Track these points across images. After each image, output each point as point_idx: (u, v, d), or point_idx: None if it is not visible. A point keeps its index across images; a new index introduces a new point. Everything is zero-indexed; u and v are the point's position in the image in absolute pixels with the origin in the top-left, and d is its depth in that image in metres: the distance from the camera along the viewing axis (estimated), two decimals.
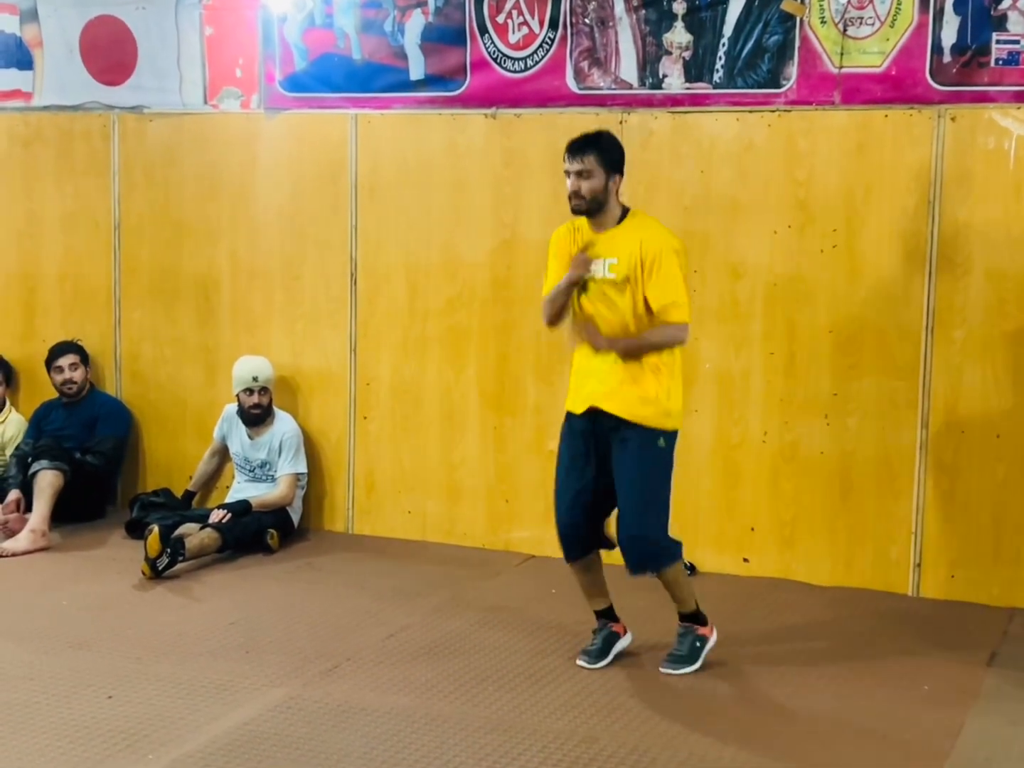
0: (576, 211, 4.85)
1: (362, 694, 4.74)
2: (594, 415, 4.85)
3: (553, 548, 6.42)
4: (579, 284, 4.81)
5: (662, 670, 4.95)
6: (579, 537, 4.99)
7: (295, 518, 6.83)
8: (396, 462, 6.85)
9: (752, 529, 6.20)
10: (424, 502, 6.81)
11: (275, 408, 6.88)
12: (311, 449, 6.96)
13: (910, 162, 5.81)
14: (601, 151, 4.79)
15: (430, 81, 6.59)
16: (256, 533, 6.54)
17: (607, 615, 5.12)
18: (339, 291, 6.87)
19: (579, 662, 4.99)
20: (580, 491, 4.94)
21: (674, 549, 4.95)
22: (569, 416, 4.99)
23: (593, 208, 4.80)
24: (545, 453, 6.50)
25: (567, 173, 4.82)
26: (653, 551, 4.87)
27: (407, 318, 6.75)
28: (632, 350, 4.77)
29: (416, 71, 6.61)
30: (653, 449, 4.81)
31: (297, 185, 6.92)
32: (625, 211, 4.89)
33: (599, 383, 4.83)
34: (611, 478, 4.87)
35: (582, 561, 5.04)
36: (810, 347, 6.03)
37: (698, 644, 4.99)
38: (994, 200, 5.70)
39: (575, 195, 4.80)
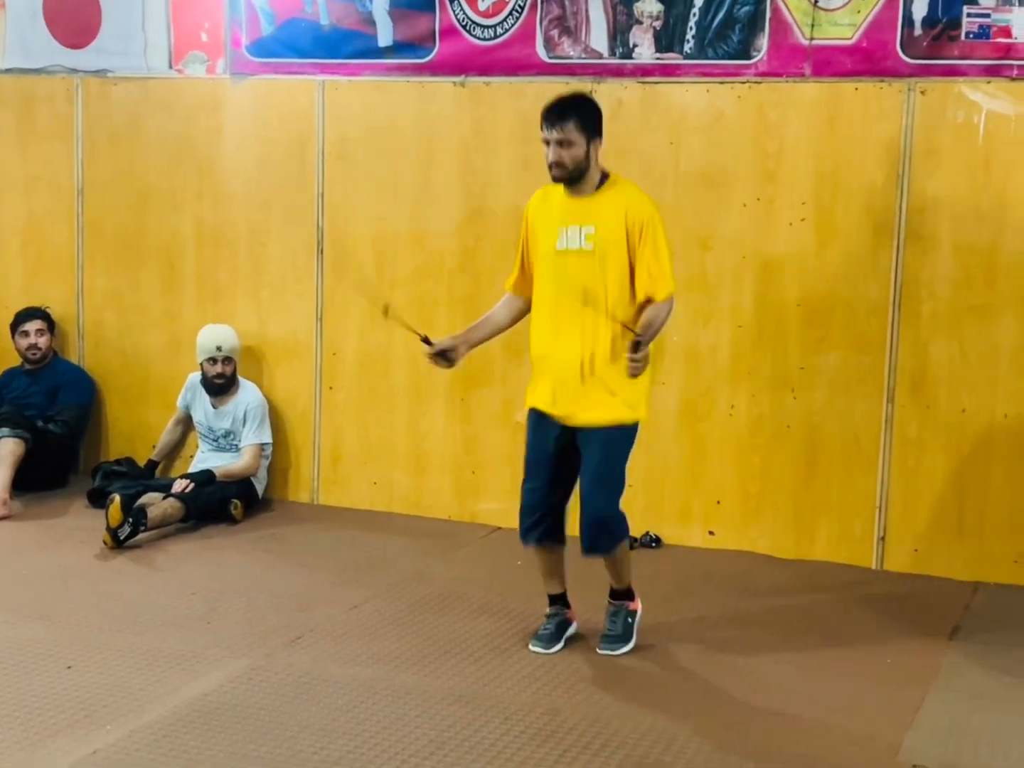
0: (557, 179, 4.67)
1: (324, 665, 4.71)
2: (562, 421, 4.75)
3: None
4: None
5: (600, 651, 4.87)
6: (539, 521, 4.90)
7: (259, 488, 6.79)
8: (362, 433, 6.81)
9: (718, 502, 6.20)
10: (390, 473, 6.78)
11: (240, 377, 6.83)
12: (276, 419, 6.91)
13: (879, 135, 5.79)
14: (580, 116, 4.61)
15: (399, 48, 6.52)
16: (220, 503, 6.50)
17: (561, 601, 5.05)
18: (305, 260, 6.81)
19: (532, 647, 4.90)
20: (546, 486, 4.86)
21: (625, 527, 4.87)
22: (535, 411, 4.83)
23: (575, 176, 4.64)
24: (512, 425, 6.48)
25: (545, 142, 4.64)
26: (610, 533, 4.80)
27: (374, 287, 6.69)
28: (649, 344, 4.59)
29: (384, 37, 6.54)
30: (618, 438, 4.72)
31: (263, 152, 6.85)
32: (604, 176, 4.71)
33: (564, 387, 4.68)
34: (576, 469, 4.80)
35: (541, 545, 4.96)
36: (778, 321, 6.02)
37: (630, 620, 4.94)
38: (963, 175, 5.69)
39: (557, 165, 4.62)
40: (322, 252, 6.77)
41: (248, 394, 6.78)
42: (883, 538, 5.94)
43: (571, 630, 5.03)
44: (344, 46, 6.62)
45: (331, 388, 6.84)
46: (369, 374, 6.76)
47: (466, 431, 6.61)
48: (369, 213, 6.67)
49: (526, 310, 4.94)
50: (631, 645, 4.90)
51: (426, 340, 4.86)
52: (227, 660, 4.74)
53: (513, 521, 6.45)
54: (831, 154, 5.86)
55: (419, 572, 5.84)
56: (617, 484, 4.78)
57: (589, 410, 4.68)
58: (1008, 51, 5.57)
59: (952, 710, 4.42)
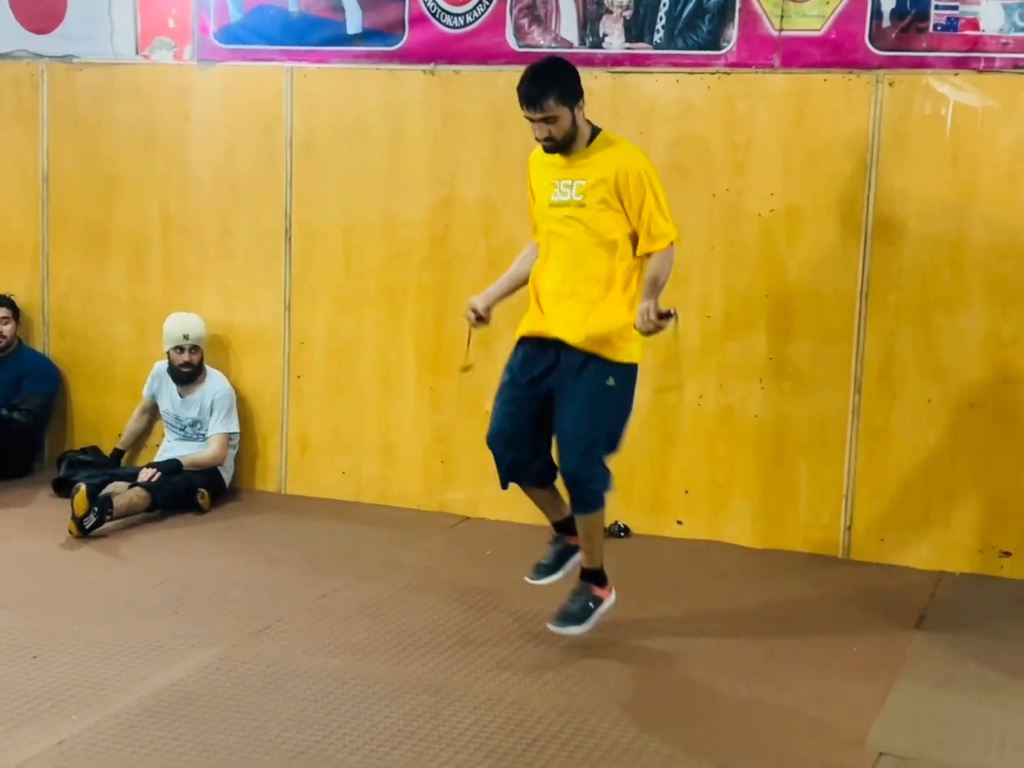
0: (551, 151, 4.64)
1: (293, 655, 4.69)
2: (554, 349, 4.65)
3: (488, 510, 6.51)
4: None
5: (549, 627, 4.75)
6: (512, 462, 4.79)
7: (226, 478, 6.75)
8: (330, 422, 6.79)
9: (686, 492, 6.21)
10: (359, 463, 6.76)
11: (207, 366, 6.79)
12: (243, 408, 6.87)
13: (848, 127, 5.80)
14: (558, 89, 4.53)
15: (367, 35, 6.49)
16: (186, 492, 6.46)
17: (562, 527, 4.91)
18: (273, 248, 6.78)
19: (527, 579, 4.84)
20: (517, 410, 4.75)
21: (602, 498, 4.70)
22: (520, 343, 4.76)
23: (566, 143, 4.60)
24: (481, 414, 6.42)
25: (530, 120, 4.58)
26: (586, 492, 4.65)
27: (343, 276, 6.67)
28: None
29: (353, 25, 6.51)
30: (603, 383, 4.59)
31: (231, 139, 6.81)
32: (595, 131, 4.66)
33: (564, 316, 4.61)
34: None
35: (521, 484, 4.88)
36: (746, 311, 6.03)
37: (591, 605, 4.74)
38: (930, 167, 5.71)
39: (547, 140, 4.58)
40: (290, 240, 6.74)
41: (215, 383, 6.74)
42: (850, 527, 5.97)
43: (577, 556, 4.87)
44: (313, 33, 6.59)
45: (299, 377, 6.82)
46: (337, 363, 6.74)
47: (435, 420, 6.60)
48: (338, 201, 6.64)
49: None
50: (582, 629, 4.72)
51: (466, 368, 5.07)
52: (195, 650, 4.71)
53: (482, 511, 6.54)
54: (800, 145, 5.88)
55: (388, 562, 5.83)
56: (595, 439, 4.60)
57: (582, 327, 4.57)
58: (975, 43, 5.60)
59: (918, 699, 4.44)
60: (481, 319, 4.92)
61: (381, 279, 6.61)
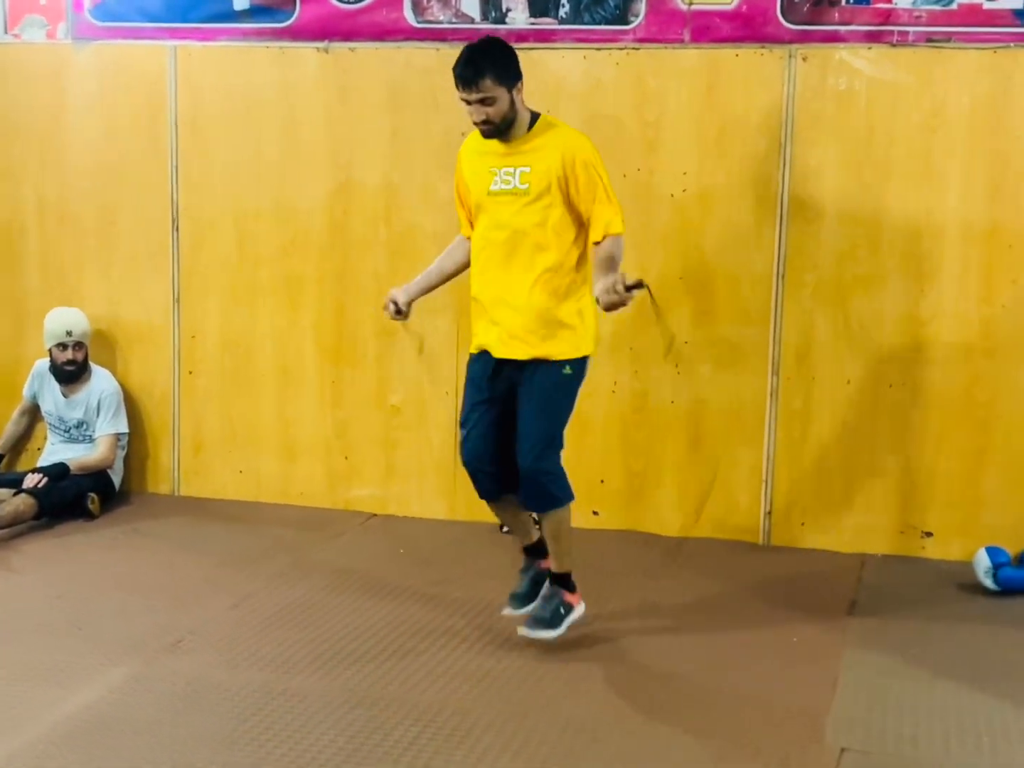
0: (488, 136, 4.44)
1: (211, 670, 4.40)
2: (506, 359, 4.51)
3: (396, 506, 6.28)
4: None
5: (520, 632, 4.61)
6: (488, 476, 4.61)
7: (116, 481, 6.39)
8: (226, 419, 6.47)
9: (602, 481, 6.05)
10: (257, 461, 6.45)
11: (91, 364, 6.41)
12: (132, 407, 6.51)
13: (761, 103, 5.68)
14: (495, 69, 4.33)
15: (256, 11, 6.18)
16: (75, 498, 6.09)
17: (533, 552, 4.77)
18: (160, 237, 6.42)
19: (504, 612, 4.67)
20: (487, 426, 4.55)
21: (567, 492, 4.62)
22: (476, 355, 4.60)
23: (504, 127, 4.40)
24: (387, 407, 6.24)
25: (465, 102, 4.38)
26: (550, 487, 4.54)
27: (236, 265, 6.35)
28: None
29: (240, 0, 6.19)
30: (559, 377, 4.46)
31: (111, 122, 6.43)
32: (534, 117, 4.48)
33: (511, 323, 4.45)
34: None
35: (498, 502, 4.70)
36: (661, 294, 5.83)
37: (562, 611, 4.60)
38: (845, 143, 5.62)
39: (484, 123, 4.37)
40: (178, 229, 6.39)
41: (101, 381, 6.37)
42: (770, 512, 5.87)
43: None
44: (197, 9, 6.25)
45: (191, 373, 6.47)
46: (232, 357, 6.42)
47: (337, 415, 6.32)
48: (228, 187, 6.31)
49: None
50: (555, 633, 4.56)
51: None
52: (105, 668, 4.39)
53: (390, 507, 6.31)
54: (713, 123, 5.74)
55: (298, 564, 5.55)
56: (554, 436, 4.52)
57: (531, 344, 4.45)
58: (888, 17, 5.52)
59: (867, 688, 4.33)
60: (400, 312, 4.73)
61: (276, 268, 6.31)
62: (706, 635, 4.82)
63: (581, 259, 4.50)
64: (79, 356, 6.32)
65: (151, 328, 6.50)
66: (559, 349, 4.46)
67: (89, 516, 6.10)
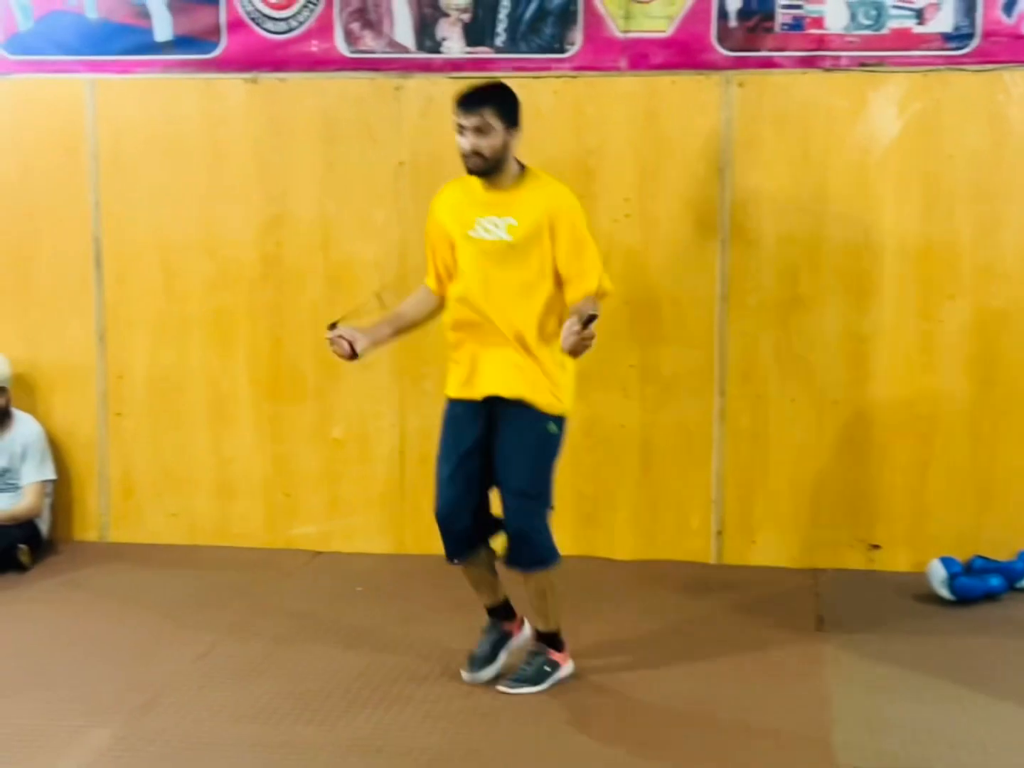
0: (473, 171, 4.35)
1: (200, 726, 4.24)
2: (488, 402, 4.43)
3: (341, 543, 6.17)
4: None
5: (500, 688, 4.50)
6: (461, 532, 4.52)
7: (43, 529, 6.14)
8: (157, 461, 6.26)
9: (551, 507, 6.00)
10: (191, 502, 6.26)
11: (13, 409, 6.15)
12: (56, 452, 6.26)
13: (699, 129, 5.74)
14: (500, 104, 4.31)
15: (179, 43, 6.01)
16: (5, 550, 5.83)
17: (497, 613, 4.68)
18: (81, 273, 6.20)
19: (464, 676, 4.55)
20: (466, 480, 4.48)
21: (555, 551, 4.57)
22: (454, 403, 4.52)
23: (491, 168, 4.33)
24: (328, 441, 6.13)
25: (460, 128, 4.31)
26: (538, 547, 4.50)
27: (163, 301, 6.17)
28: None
29: (162, 32, 6.02)
30: (544, 431, 4.42)
31: (26, 159, 6.19)
32: (522, 168, 4.44)
33: (496, 368, 4.40)
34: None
35: (464, 561, 4.60)
36: (606, 318, 5.74)
37: (547, 668, 4.54)
38: (783, 166, 5.72)
39: (474, 154, 4.30)
40: (100, 265, 6.18)
41: (25, 426, 6.12)
42: (720, 532, 5.92)
43: (514, 642, 4.67)
44: (115, 41, 6.06)
45: (118, 414, 6.26)
46: (162, 396, 6.22)
47: (276, 451, 6.18)
48: (153, 220, 6.12)
49: (440, 308, 4.63)
50: (537, 689, 4.49)
51: (333, 325, 4.44)
52: (85, 730, 4.20)
53: (334, 544, 6.18)
54: (652, 148, 5.78)
55: (254, 608, 5.40)
56: (542, 491, 4.49)
57: (510, 384, 4.38)
58: (821, 42, 5.63)
59: (860, 706, 4.38)
60: (354, 355, 4.45)
61: (206, 302, 6.14)
62: (686, 663, 4.80)
63: (560, 316, 4.39)
64: (1, 402, 6.06)
65: (74, 368, 6.27)
66: (543, 398, 4.40)
67: (21, 568, 5.85)
